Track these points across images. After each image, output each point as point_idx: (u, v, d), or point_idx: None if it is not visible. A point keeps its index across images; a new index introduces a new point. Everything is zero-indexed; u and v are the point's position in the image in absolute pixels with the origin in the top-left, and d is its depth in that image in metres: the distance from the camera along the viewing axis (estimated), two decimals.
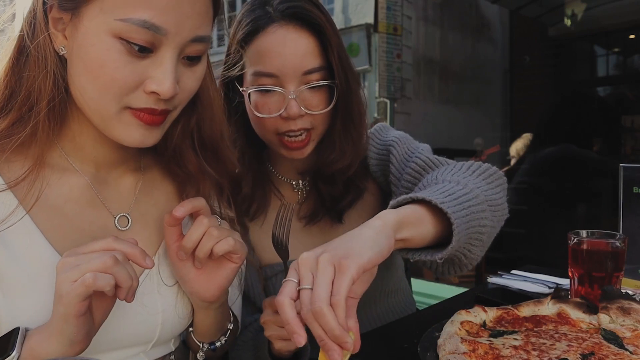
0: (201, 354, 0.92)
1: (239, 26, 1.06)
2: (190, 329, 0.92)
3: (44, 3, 0.72)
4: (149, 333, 0.84)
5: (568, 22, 5.75)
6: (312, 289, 0.65)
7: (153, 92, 0.71)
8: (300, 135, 1.05)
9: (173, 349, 0.92)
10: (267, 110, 1.04)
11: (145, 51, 0.70)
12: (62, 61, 0.74)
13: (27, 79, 0.73)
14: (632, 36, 6.18)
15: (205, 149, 0.90)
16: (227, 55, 1.08)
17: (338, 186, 1.15)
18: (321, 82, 1.04)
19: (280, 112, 1.02)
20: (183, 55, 0.74)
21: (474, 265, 0.94)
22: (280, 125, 1.04)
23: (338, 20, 4.75)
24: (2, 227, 0.72)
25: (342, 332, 0.63)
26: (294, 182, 1.20)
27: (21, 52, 0.75)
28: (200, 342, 0.92)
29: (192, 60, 0.76)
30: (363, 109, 1.14)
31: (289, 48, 1.01)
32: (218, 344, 0.93)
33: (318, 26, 1.03)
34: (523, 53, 6.89)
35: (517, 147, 3.25)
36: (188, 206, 0.79)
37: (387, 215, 0.76)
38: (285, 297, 0.67)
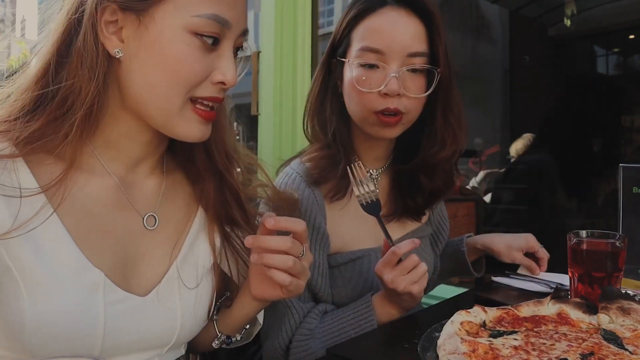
0: (216, 342, 0.93)
1: (352, 6, 1.13)
2: (215, 317, 0.93)
3: (96, 7, 0.72)
4: (168, 336, 0.84)
5: (568, 22, 5.75)
6: None
7: (219, 82, 0.77)
8: (395, 115, 1.08)
9: (183, 352, 0.93)
10: (367, 85, 1.08)
11: (215, 43, 0.76)
12: (110, 64, 0.75)
13: (67, 81, 0.73)
14: (632, 36, 6.17)
15: (218, 147, 0.90)
16: (336, 32, 1.14)
17: (438, 178, 1.20)
18: (425, 66, 1.09)
19: (380, 88, 1.06)
20: (234, 47, 0.80)
21: None
22: (378, 102, 1.07)
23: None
24: (30, 227, 0.70)
25: None
26: (372, 171, 1.23)
27: (61, 55, 0.75)
28: (220, 332, 0.93)
29: (236, 52, 0.82)
30: (461, 100, 1.19)
31: (399, 28, 1.07)
32: (234, 339, 0.95)
33: (429, 14, 1.09)
34: (523, 53, 6.88)
35: (517, 147, 3.24)
36: (283, 224, 0.80)
37: None
38: None
